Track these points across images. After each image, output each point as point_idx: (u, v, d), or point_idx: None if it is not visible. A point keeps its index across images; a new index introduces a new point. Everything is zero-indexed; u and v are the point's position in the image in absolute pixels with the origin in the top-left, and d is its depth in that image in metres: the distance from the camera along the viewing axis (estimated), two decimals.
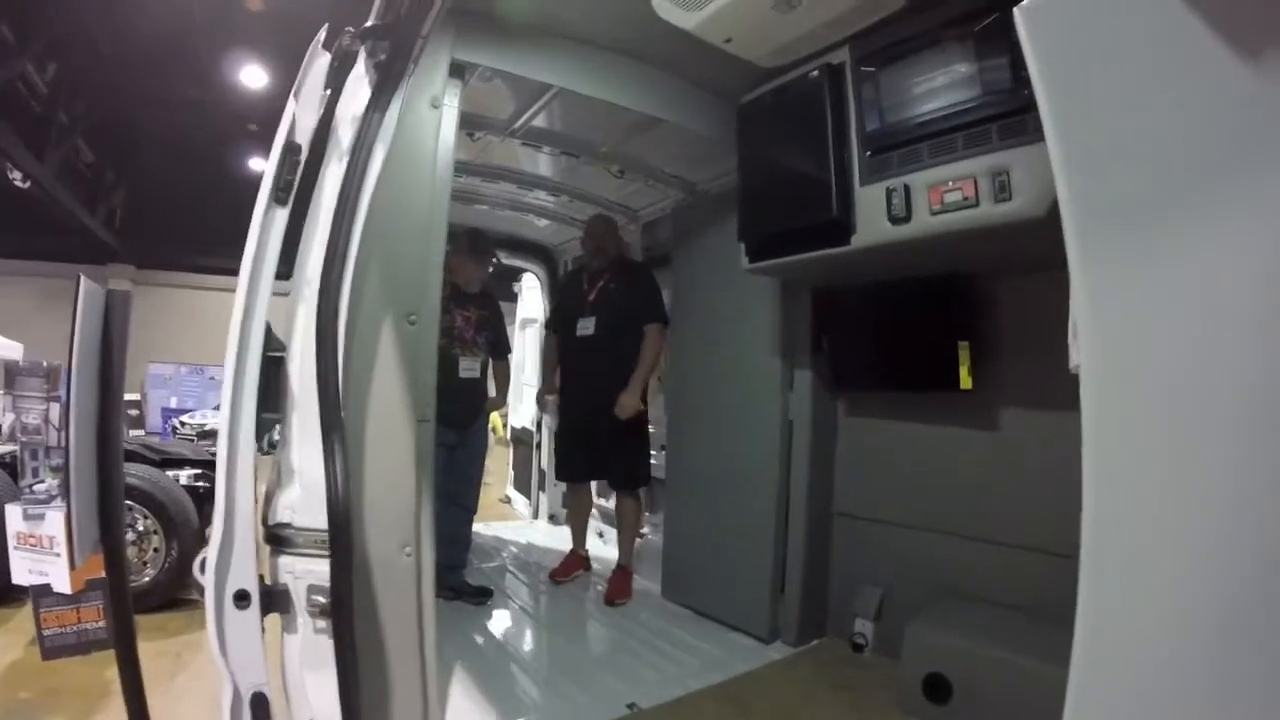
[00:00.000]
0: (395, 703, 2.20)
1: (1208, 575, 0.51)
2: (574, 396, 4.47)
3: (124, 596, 2.07)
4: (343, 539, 1.68)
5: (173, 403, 17.52)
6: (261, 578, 1.76)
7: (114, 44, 13.19)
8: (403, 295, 2.12)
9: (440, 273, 2.33)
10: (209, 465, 6.60)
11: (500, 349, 4.56)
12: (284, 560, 1.81)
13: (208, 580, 1.69)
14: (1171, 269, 0.48)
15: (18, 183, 12.46)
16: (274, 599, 1.78)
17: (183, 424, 14.82)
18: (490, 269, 4.56)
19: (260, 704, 1.75)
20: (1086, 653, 0.62)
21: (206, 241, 19.72)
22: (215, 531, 1.68)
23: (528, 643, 3.87)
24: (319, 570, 1.75)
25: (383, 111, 1.86)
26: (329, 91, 1.91)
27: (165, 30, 12.70)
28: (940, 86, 2.47)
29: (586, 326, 4.35)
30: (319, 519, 1.75)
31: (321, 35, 1.90)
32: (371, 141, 1.81)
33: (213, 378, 18.83)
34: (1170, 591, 0.54)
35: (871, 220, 2.68)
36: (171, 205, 18.68)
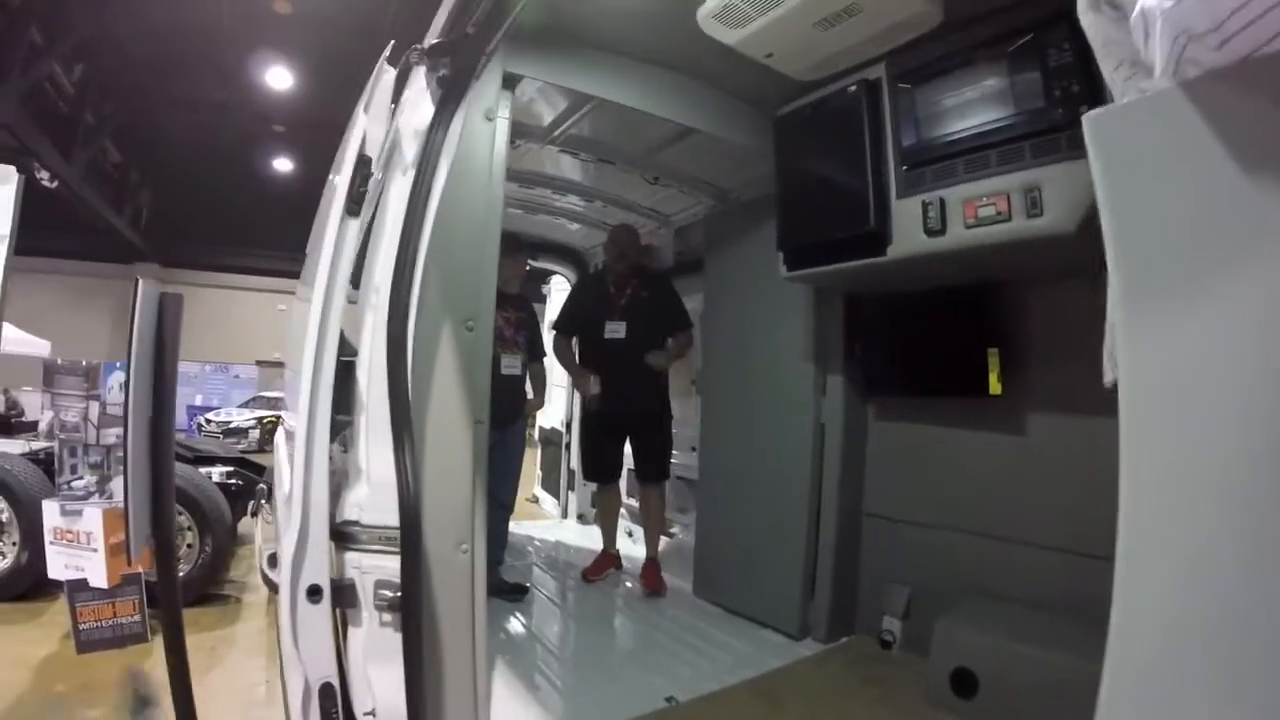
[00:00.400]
0: (448, 695, 2.27)
1: (1240, 581, 0.57)
2: (603, 397, 4.53)
3: (173, 587, 2.14)
4: (413, 536, 1.76)
5: (198, 400, 17.73)
6: None
7: (141, 46, 13.35)
8: (461, 302, 2.20)
9: (495, 280, 2.41)
10: (241, 463, 6.72)
11: (537, 350, 4.66)
12: (350, 556, 1.89)
13: (283, 576, 1.76)
14: (1199, 323, 0.57)
15: (45, 182, 12.62)
16: (341, 594, 1.85)
17: (208, 421, 15.00)
18: (526, 270, 4.65)
19: (328, 694, 1.82)
20: (1120, 652, 0.68)
21: (231, 241, 20.08)
22: (291, 528, 1.75)
23: (565, 638, 3.96)
24: (386, 566, 1.83)
25: (446, 127, 1.94)
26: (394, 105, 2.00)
27: (192, 32, 12.86)
28: (974, 104, 2.53)
29: (617, 330, 4.45)
30: (387, 517, 1.82)
31: (387, 51, 1.98)
32: (437, 155, 1.90)
33: (237, 376, 19.10)
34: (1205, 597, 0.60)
35: (907, 232, 2.74)
36: (197, 205, 18.93)
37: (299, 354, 1.87)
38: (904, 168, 2.75)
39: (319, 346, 1.74)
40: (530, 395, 4.65)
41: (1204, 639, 0.58)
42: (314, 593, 1.76)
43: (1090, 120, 0.63)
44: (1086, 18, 0.71)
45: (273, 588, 1.88)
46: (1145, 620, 0.63)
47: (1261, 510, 0.52)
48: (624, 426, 4.60)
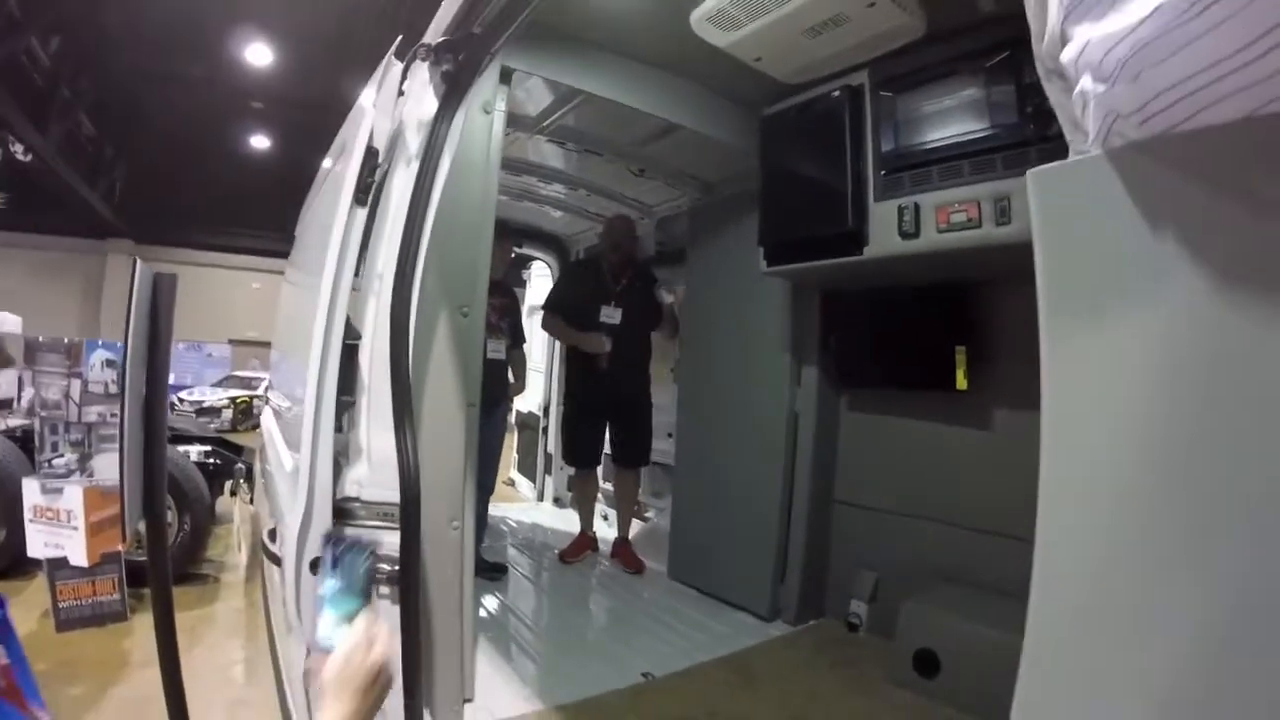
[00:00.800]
0: (439, 663, 2.38)
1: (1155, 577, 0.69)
2: (591, 382, 4.63)
3: (164, 563, 2.20)
4: (412, 511, 1.86)
5: (170, 379, 17.55)
6: None
7: (120, 20, 13.14)
8: (457, 289, 2.29)
9: (488, 267, 2.50)
10: (219, 443, 6.73)
11: (518, 336, 4.74)
12: (350, 531, 1.97)
13: (287, 550, 1.84)
14: (1108, 339, 0.72)
15: (19, 156, 12.44)
16: None
17: (181, 400, 14.86)
18: (512, 256, 4.72)
19: None
20: (1037, 628, 0.80)
21: (206, 218, 19.84)
22: (296, 505, 1.83)
23: (543, 617, 4.07)
24: (384, 540, 1.91)
25: (450, 120, 2.02)
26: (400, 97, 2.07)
27: (172, 7, 12.69)
28: (951, 115, 2.66)
29: (613, 316, 4.56)
30: (386, 493, 1.91)
31: (395, 46, 2.05)
32: (441, 148, 1.97)
33: (210, 355, 18.92)
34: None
35: (883, 234, 2.86)
36: (172, 181, 18.65)
37: (302, 338, 1.95)
38: (882, 172, 2.86)
39: (327, 332, 1.82)
40: (512, 380, 4.73)
41: (1110, 616, 0.70)
42: (317, 565, 1.84)
43: (1033, 175, 0.77)
44: (1044, 81, 0.84)
45: (274, 561, 1.96)
46: (1059, 600, 0.76)
47: (1153, 498, 0.65)
48: (608, 412, 4.72)
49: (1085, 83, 0.71)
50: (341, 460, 2.06)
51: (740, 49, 2.75)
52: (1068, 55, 0.74)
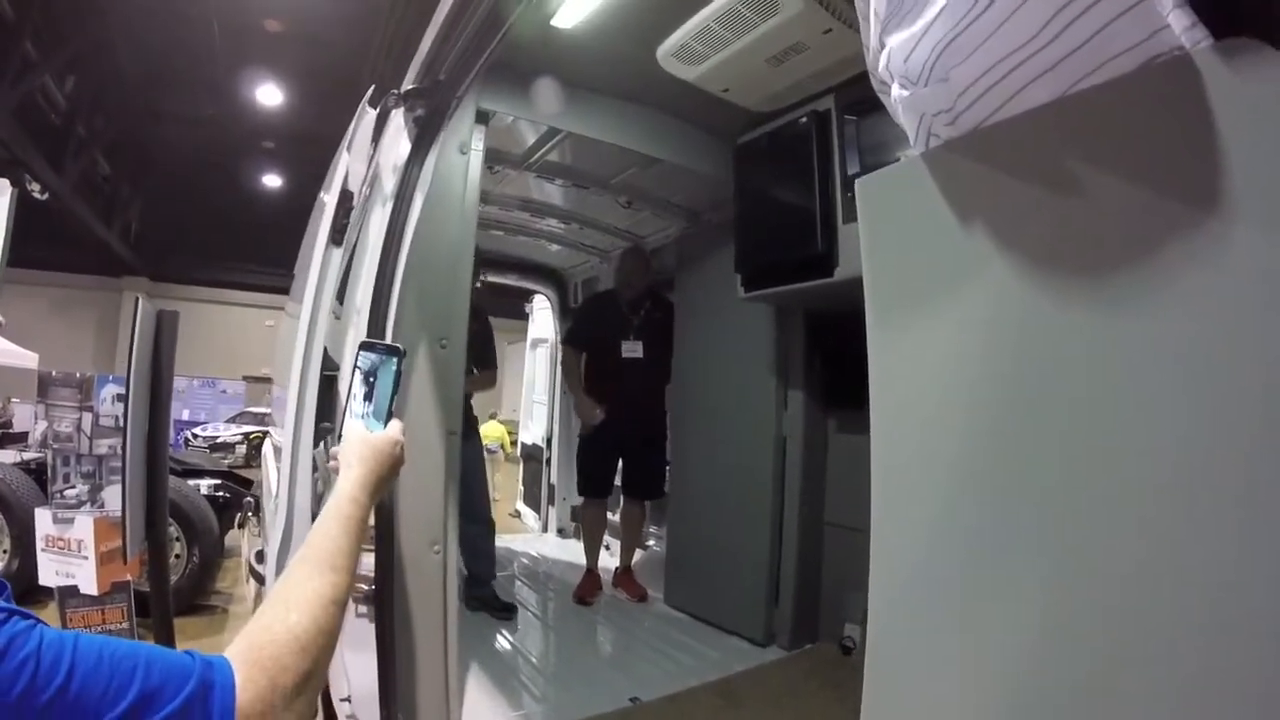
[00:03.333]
0: (421, 685, 2.43)
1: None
2: (613, 413, 4.65)
3: (164, 584, 2.29)
4: (387, 533, 1.94)
5: (185, 415, 17.72)
6: None
7: (134, 61, 13.50)
8: (435, 322, 2.38)
9: (467, 301, 2.59)
10: (228, 476, 6.84)
11: (488, 359, 4.75)
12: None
13: (269, 568, 1.93)
14: (928, 338, 0.76)
15: (36, 194, 12.68)
16: None
17: (195, 436, 15.02)
18: (478, 285, 4.75)
19: None
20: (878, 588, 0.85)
21: (220, 256, 20.17)
22: (277, 525, 1.92)
23: (537, 642, 4.10)
24: (362, 561, 2.00)
25: (421, 163, 2.13)
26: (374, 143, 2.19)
27: (184, 48, 13.03)
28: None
29: (634, 350, 4.62)
30: None
31: (368, 95, 2.17)
32: (413, 189, 2.08)
33: (224, 391, 19.11)
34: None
35: (853, 255, 2.82)
36: (186, 220, 19.02)
37: (286, 368, 2.04)
38: (849, 194, 2.92)
39: (304, 361, 1.91)
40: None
41: (936, 586, 0.75)
42: None
43: (859, 184, 0.83)
44: (880, 95, 0.88)
45: (259, 579, 2.04)
46: (894, 578, 0.82)
47: (978, 485, 0.70)
48: (624, 444, 4.74)
49: (895, 89, 0.77)
50: (324, 484, 2.15)
51: (707, 81, 2.85)
52: (881, 64, 0.78)
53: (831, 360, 3.84)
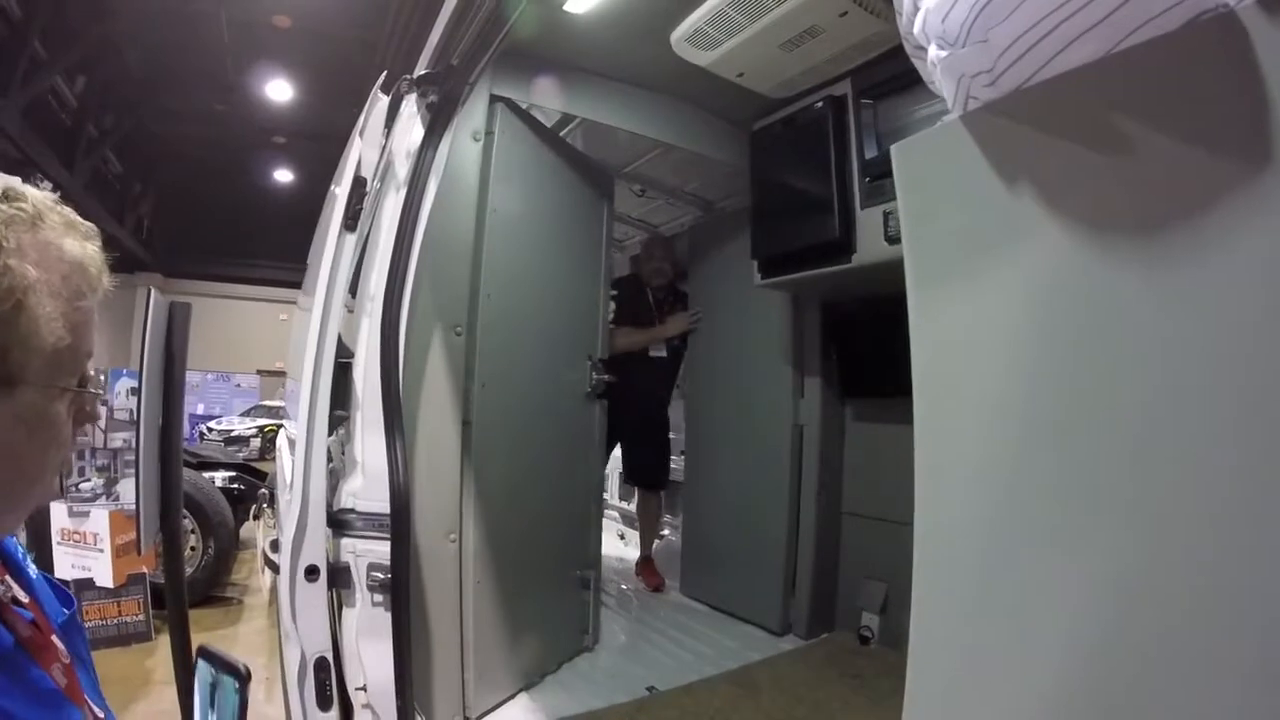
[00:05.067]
0: (437, 673, 2.43)
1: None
2: (631, 406, 4.50)
3: (179, 575, 2.28)
4: (402, 519, 1.93)
5: (200, 409, 17.82)
6: None
7: (143, 58, 13.54)
8: (450, 309, 2.37)
9: (481, 288, 2.57)
10: (243, 469, 6.86)
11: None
12: (346, 541, 2.04)
13: (283, 557, 1.92)
14: (973, 304, 0.74)
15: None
16: (336, 575, 2.00)
17: (210, 430, 15.10)
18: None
19: (323, 666, 1.98)
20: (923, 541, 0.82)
21: (233, 251, 20.25)
22: (291, 514, 1.91)
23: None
24: (378, 550, 1.99)
25: (435, 148, 2.11)
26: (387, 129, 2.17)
27: (193, 45, 13.05)
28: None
29: (661, 349, 4.61)
30: (380, 504, 1.99)
31: (380, 80, 2.15)
32: (426, 175, 2.06)
33: (239, 385, 19.22)
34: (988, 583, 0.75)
35: (870, 240, 2.89)
36: (198, 215, 19.10)
37: (300, 359, 2.03)
38: (867, 179, 2.90)
39: (319, 347, 1.90)
40: None
41: (978, 534, 0.73)
42: (311, 572, 1.91)
43: (895, 149, 0.81)
44: (914, 60, 0.86)
45: (274, 568, 2.03)
46: (940, 519, 0.79)
47: (1017, 433, 0.68)
48: (624, 432, 4.64)
49: (932, 50, 0.74)
50: (339, 474, 2.15)
51: (721, 67, 2.82)
52: (916, 27, 0.76)
53: (848, 349, 3.80)
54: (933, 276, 0.77)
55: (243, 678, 0.92)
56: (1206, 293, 0.55)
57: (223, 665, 0.93)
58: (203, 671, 0.95)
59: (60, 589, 0.97)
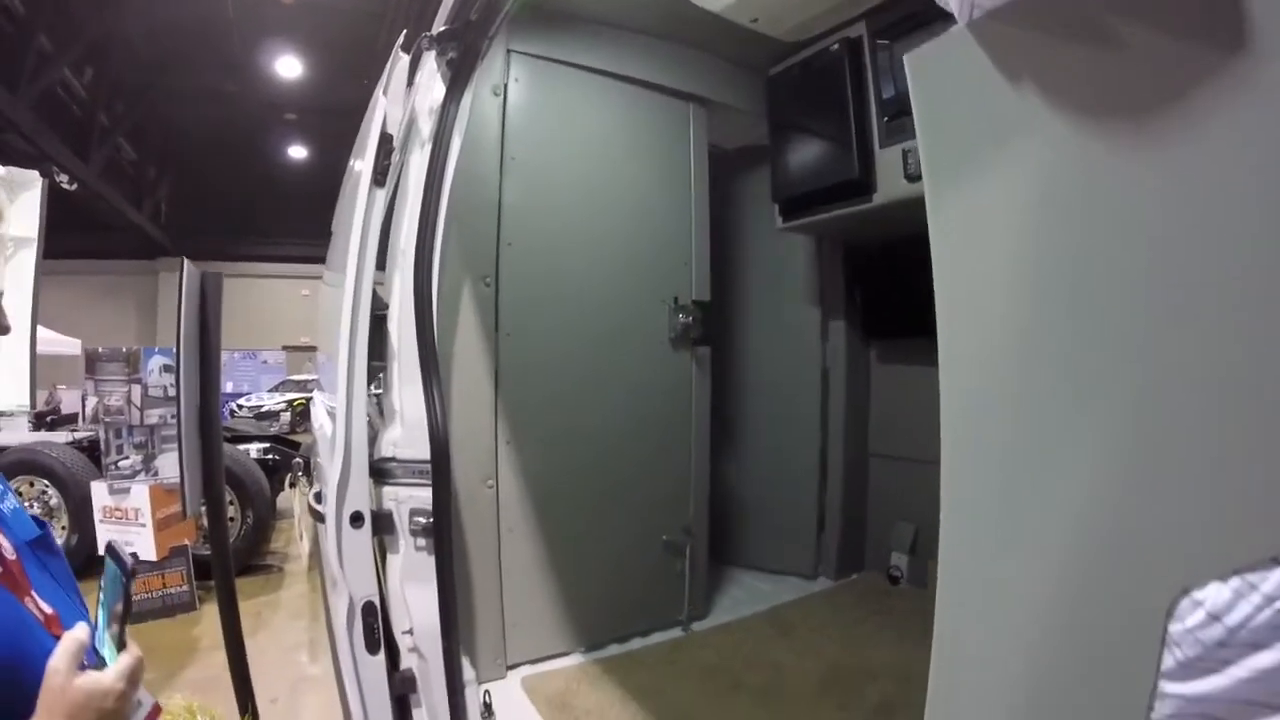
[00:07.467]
0: (479, 614, 2.51)
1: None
2: None
3: (224, 543, 2.35)
4: (442, 465, 1.98)
5: (229, 387, 17.98)
6: None
7: (149, 44, 13.52)
8: (477, 260, 2.41)
9: (503, 239, 2.61)
10: (277, 440, 6.98)
11: None
12: (388, 490, 2.09)
13: (328, 506, 1.97)
14: (986, 199, 0.78)
15: (64, 185, 12.83)
16: (380, 523, 2.05)
17: (240, 407, 15.26)
18: None
19: (370, 611, 2.03)
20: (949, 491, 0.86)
21: (251, 230, 20.32)
22: (335, 463, 1.96)
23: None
24: (420, 495, 2.04)
25: (457, 104, 2.13)
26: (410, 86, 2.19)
27: (199, 26, 13.01)
28: None
29: None
30: (419, 451, 2.04)
31: (401, 39, 2.17)
32: (450, 130, 2.09)
33: (265, 362, 19.38)
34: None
35: (890, 179, 2.90)
36: (215, 197, 19.15)
37: (330, 325, 2.08)
38: (885, 119, 2.90)
39: (356, 299, 1.94)
40: None
41: (999, 453, 0.77)
42: (356, 519, 1.96)
43: (908, 58, 0.84)
44: None
45: (319, 518, 2.09)
46: (966, 448, 0.83)
47: (1044, 339, 0.72)
48: None
49: None
50: (378, 425, 2.20)
51: (735, 12, 2.80)
52: None
53: (872, 292, 3.83)
54: (947, 176, 0.81)
55: (129, 572, 1.02)
56: (1200, 165, 0.59)
57: (116, 559, 1.03)
58: (109, 565, 1.04)
59: (37, 519, 1.12)
